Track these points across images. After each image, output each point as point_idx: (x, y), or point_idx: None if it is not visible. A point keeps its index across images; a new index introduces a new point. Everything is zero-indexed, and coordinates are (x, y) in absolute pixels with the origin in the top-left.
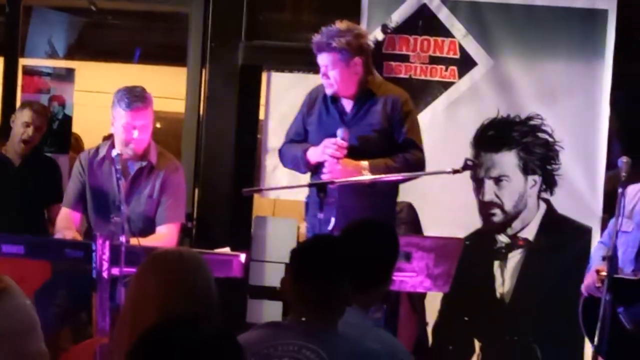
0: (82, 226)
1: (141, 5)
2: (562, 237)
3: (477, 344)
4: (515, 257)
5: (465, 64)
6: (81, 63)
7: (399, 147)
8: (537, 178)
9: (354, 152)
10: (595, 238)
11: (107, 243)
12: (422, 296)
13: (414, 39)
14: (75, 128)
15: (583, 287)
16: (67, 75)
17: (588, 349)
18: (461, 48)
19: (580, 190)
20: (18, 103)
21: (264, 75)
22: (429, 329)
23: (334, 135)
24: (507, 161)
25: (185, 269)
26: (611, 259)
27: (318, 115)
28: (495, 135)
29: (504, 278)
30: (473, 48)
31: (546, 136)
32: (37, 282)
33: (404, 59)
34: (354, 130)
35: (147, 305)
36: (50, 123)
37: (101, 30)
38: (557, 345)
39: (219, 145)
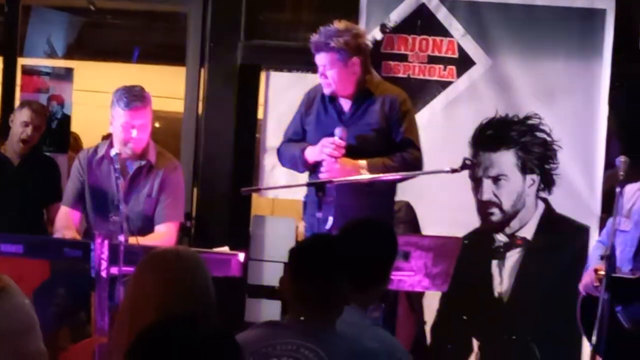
0: (81, 225)
1: (140, 5)
2: (560, 236)
3: (475, 343)
4: (513, 257)
5: (463, 63)
6: (80, 62)
7: (396, 147)
8: (535, 177)
9: (352, 152)
10: (594, 237)
11: (106, 242)
12: (421, 295)
13: (413, 39)
14: (74, 127)
15: (581, 286)
16: (66, 75)
17: (586, 348)
18: (460, 48)
19: (578, 189)
20: (17, 102)
21: (263, 75)
22: (427, 328)
23: (332, 135)
24: (506, 160)
25: (184, 267)
26: (609, 258)
27: (316, 114)
28: (493, 135)
29: (502, 277)
30: (471, 48)
31: (544, 135)
32: (36, 281)
33: (403, 58)
34: (352, 130)
35: (146, 304)
36: (49, 122)
37: (100, 30)
38: (555, 345)
39: (218, 145)
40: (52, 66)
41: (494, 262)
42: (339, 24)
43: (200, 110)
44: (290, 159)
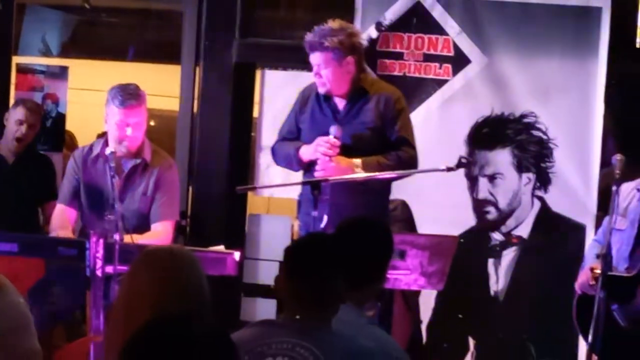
0: (77, 223)
1: (135, 3)
2: (556, 234)
3: (471, 342)
4: (509, 255)
5: (459, 61)
6: (75, 61)
7: (391, 145)
8: (531, 176)
9: (347, 150)
10: (590, 236)
11: (101, 241)
12: (417, 294)
13: (408, 37)
14: (69, 126)
15: (577, 286)
16: (61, 73)
17: (582, 346)
18: (455, 46)
19: (574, 188)
20: (11, 101)
21: (258, 73)
22: (423, 327)
23: (327, 133)
24: (501, 159)
25: (178, 266)
26: (605, 257)
27: (311, 113)
28: (489, 133)
29: (498, 276)
30: (467, 46)
31: (540, 134)
32: (31, 280)
33: (398, 56)
34: (347, 128)
35: (140, 302)
36: (43, 121)
37: (95, 28)
38: (551, 343)
39: (213, 143)
40: (47, 64)
41: (490, 261)
42: (333, 23)
43: (195, 109)
44: (285, 157)
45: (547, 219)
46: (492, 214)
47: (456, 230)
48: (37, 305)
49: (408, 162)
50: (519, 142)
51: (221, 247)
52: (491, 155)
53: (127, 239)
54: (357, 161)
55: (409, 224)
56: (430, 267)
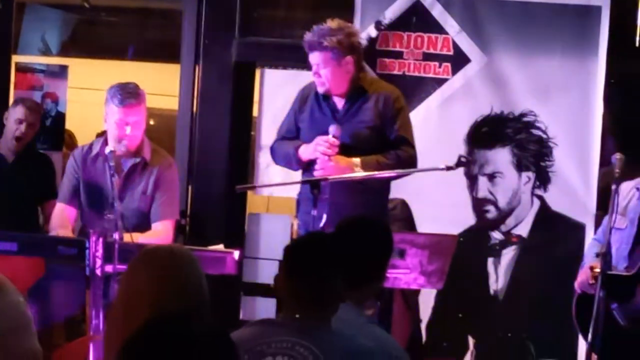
0: (77, 222)
1: (135, 2)
2: (555, 233)
3: (471, 341)
4: (509, 254)
5: (458, 60)
6: (74, 60)
7: (390, 144)
8: (530, 175)
9: (346, 150)
10: (589, 235)
11: (101, 240)
12: (416, 293)
13: (408, 36)
14: (69, 125)
15: (576, 285)
16: (61, 72)
17: (582, 345)
18: (455, 45)
19: (574, 187)
20: (11, 100)
21: (258, 72)
22: (423, 326)
23: (326, 133)
24: (501, 158)
25: (177, 265)
26: (605, 256)
27: (310, 112)
28: (489, 132)
29: (498, 275)
30: (467, 45)
31: (540, 133)
32: (31, 279)
33: (398, 55)
34: (346, 128)
35: (139, 301)
36: (43, 120)
37: (94, 27)
38: (551, 342)
39: (213, 142)
40: (47, 63)
41: (490, 260)
42: (332, 23)
43: (195, 108)
44: (284, 157)
45: (546, 218)
46: (491, 213)
47: (456, 229)
48: (37, 305)
49: (407, 161)
50: (519, 141)
51: (221, 246)
52: (491, 154)
53: (128, 237)
54: (357, 160)
55: (408, 223)
56: (429, 266)
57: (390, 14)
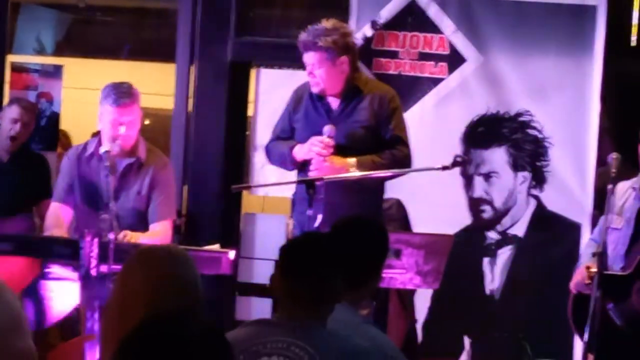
0: (72, 222)
1: (130, 2)
2: (552, 233)
3: (467, 341)
4: (505, 254)
5: (454, 60)
6: (69, 60)
7: (386, 144)
8: (526, 174)
9: (341, 150)
10: (585, 235)
11: (96, 240)
12: (412, 293)
13: (404, 35)
14: (64, 125)
15: (572, 285)
16: (55, 72)
17: (578, 345)
18: (450, 44)
19: (570, 186)
20: (6, 100)
21: (253, 72)
22: (419, 326)
23: (321, 133)
24: (497, 157)
25: (173, 264)
26: (601, 256)
27: (305, 112)
28: (484, 132)
29: (494, 275)
30: (462, 44)
31: (536, 132)
32: (26, 279)
33: (394, 55)
34: (341, 127)
35: (135, 301)
36: (38, 120)
37: (89, 27)
38: (547, 342)
39: (208, 142)
40: (41, 63)
41: (486, 260)
42: (326, 23)
43: (190, 108)
44: (279, 157)
45: (542, 217)
46: (487, 212)
47: (451, 229)
48: (32, 305)
49: (402, 160)
50: (515, 141)
51: (216, 246)
52: (487, 153)
53: (129, 235)
54: (352, 160)
55: (404, 223)
56: (425, 266)
57: (386, 14)
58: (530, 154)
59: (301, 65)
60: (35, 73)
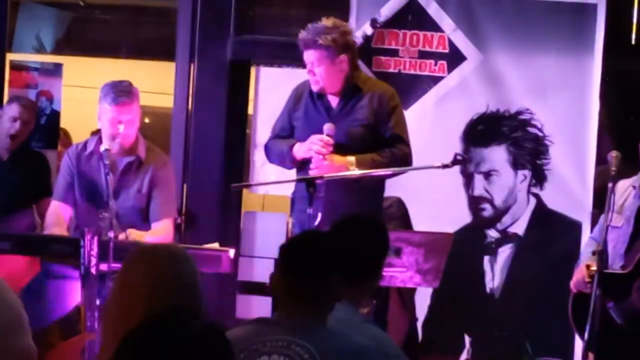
0: (72, 221)
1: (129, 0)
2: (552, 232)
3: (467, 339)
4: (505, 252)
5: (454, 58)
6: (69, 58)
7: (385, 142)
8: (526, 173)
9: (341, 148)
10: (585, 233)
11: (95, 239)
12: (412, 291)
13: (403, 34)
14: (64, 123)
15: (572, 284)
16: (55, 70)
17: (578, 344)
18: (450, 43)
19: (570, 185)
20: (5, 98)
21: (253, 70)
22: (419, 324)
23: (321, 131)
24: (497, 156)
25: (173, 263)
26: (601, 254)
27: (304, 110)
28: (484, 130)
29: (494, 273)
30: (462, 43)
31: (536, 131)
32: (26, 278)
33: (393, 53)
34: (341, 126)
35: (135, 299)
36: (38, 118)
37: (89, 25)
38: (548, 340)
39: (208, 141)
40: (41, 61)
41: (486, 258)
42: (326, 21)
43: (190, 106)
44: (279, 155)
45: (542, 216)
46: (487, 211)
47: (452, 228)
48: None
49: (402, 159)
50: (515, 139)
51: (216, 245)
52: (487, 152)
53: (134, 233)
54: (351, 159)
55: (404, 221)
56: (425, 264)
57: (386, 12)
58: (530, 152)
59: (301, 64)
60: (35, 71)
